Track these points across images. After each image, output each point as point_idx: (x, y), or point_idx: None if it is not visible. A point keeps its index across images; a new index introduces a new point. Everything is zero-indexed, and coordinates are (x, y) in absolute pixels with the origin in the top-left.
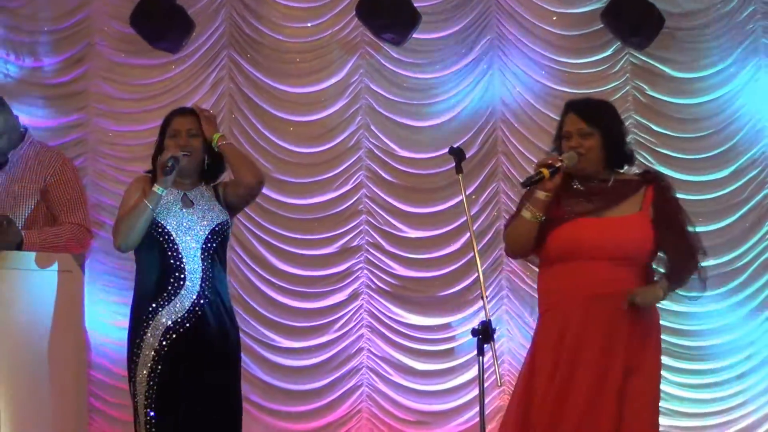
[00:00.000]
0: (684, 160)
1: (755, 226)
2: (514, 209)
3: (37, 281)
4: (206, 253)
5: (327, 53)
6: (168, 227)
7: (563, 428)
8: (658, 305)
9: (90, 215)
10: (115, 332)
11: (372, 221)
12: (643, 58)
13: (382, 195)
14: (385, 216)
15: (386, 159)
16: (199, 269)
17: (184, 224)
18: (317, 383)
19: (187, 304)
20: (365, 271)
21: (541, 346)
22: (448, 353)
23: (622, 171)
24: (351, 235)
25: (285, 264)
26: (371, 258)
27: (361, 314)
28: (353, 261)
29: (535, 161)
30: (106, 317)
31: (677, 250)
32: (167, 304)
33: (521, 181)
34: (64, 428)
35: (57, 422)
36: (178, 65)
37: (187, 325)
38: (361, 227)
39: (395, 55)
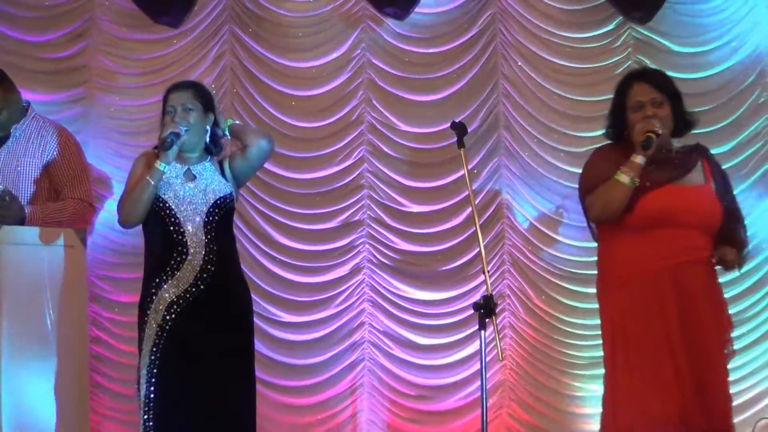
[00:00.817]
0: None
1: (757, 200)
2: (595, 174)
3: (39, 256)
4: (209, 227)
5: (329, 27)
6: (169, 201)
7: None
8: None
9: (92, 190)
10: (116, 307)
11: (374, 196)
12: (645, 33)
13: (384, 169)
14: (387, 190)
15: (388, 133)
16: (203, 242)
17: (186, 198)
18: (318, 357)
19: (191, 278)
20: (367, 246)
21: (633, 319)
22: (450, 327)
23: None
24: (352, 210)
25: (286, 238)
26: (373, 232)
27: (362, 289)
28: (355, 235)
29: (537, 136)
30: (108, 292)
31: (734, 222)
32: (171, 279)
33: (645, 139)
34: (67, 402)
35: (59, 396)
36: (180, 40)
37: (190, 298)
38: (363, 202)
39: (397, 30)
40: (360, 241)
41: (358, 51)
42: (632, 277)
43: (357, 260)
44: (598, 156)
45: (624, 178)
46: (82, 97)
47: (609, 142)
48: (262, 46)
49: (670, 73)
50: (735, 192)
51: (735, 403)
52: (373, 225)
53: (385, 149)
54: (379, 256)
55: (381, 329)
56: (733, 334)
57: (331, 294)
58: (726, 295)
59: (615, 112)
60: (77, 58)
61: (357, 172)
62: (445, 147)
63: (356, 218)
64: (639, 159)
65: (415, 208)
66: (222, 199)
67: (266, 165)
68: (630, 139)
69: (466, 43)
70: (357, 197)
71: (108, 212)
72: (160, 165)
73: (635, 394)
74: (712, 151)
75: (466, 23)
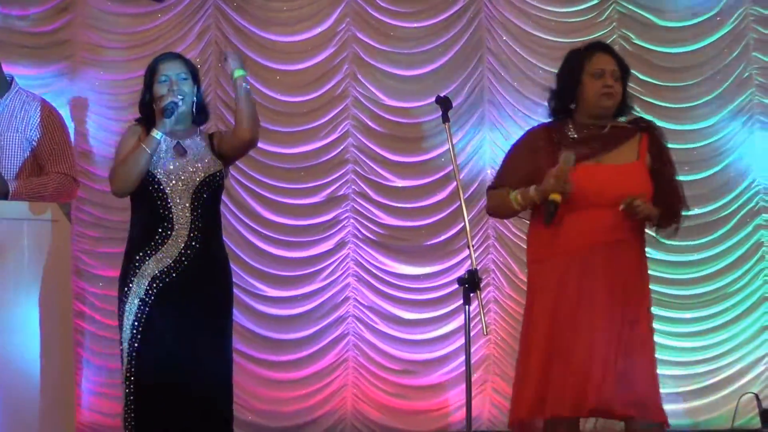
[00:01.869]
0: (670, 109)
1: (740, 176)
2: (499, 168)
3: (24, 231)
4: (196, 203)
5: (313, 2)
6: (158, 176)
7: (559, 372)
8: (648, 255)
9: (76, 165)
10: (101, 282)
11: (358, 170)
12: (630, 7)
13: (369, 144)
14: (372, 165)
15: (373, 108)
16: (188, 219)
17: (175, 173)
18: (303, 332)
19: (174, 253)
20: (351, 221)
21: (539, 295)
22: (434, 302)
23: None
24: (337, 185)
25: (271, 213)
26: (357, 207)
27: (347, 263)
28: (340, 210)
29: (522, 110)
30: (92, 267)
31: (666, 199)
32: (155, 253)
33: (545, 222)
34: (52, 377)
35: (44, 371)
36: (165, 14)
37: (173, 274)
38: (348, 176)
39: (382, 4)
40: (345, 215)
41: (343, 25)
42: (552, 255)
43: (342, 235)
44: (520, 151)
45: (515, 205)
46: (66, 72)
47: (539, 127)
48: (247, 20)
49: (655, 47)
50: (719, 167)
51: (719, 377)
52: (357, 199)
53: (370, 124)
54: (363, 231)
55: (366, 304)
56: (716, 309)
57: (316, 268)
58: (707, 271)
59: (568, 77)
60: (62, 32)
61: (342, 147)
62: (429, 121)
63: (341, 193)
64: (535, 197)
65: (400, 183)
66: (211, 177)
67: None
68: (578, 108)
69: (451, 18)
70: (342, 172)
71: (92, 187)
72: (156, 134)
73: (546, 374)
74: (697, 126)
75: None
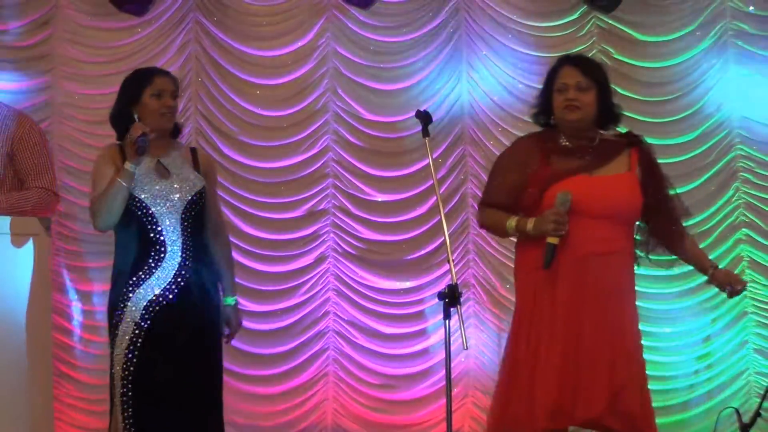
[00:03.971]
0: (650, 123)
1: (721, 190)
2: (485, 178)
3: (3, 245)
4: (186, 223)
5: (294, 16)
6: (145, 200)
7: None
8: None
9: (56, 179)
10: (80, 296)
11: (338, 185)
12: (610, 22)
13: (349, 158)
14: (352, 179)
15: (353, 122)
16: (179, 240)
17: (161, 194)
18: (283, 347)
19: (170, 276)
20: (332, 235)
21: (529, 307)
22: (415, 317)
23: (604, 132)
24: (317, 199)
25: (251, 227)
26: (338, 222)
27: (327, 278)
28: (319, 224)
29: (502, 125)
30: (71, 281)
31: (665, 213)
32: (148, 277)
33: (545, 267)
34: (30, 391)
35: (23, 385)
36: (145, 28)
37: (170, 296)
38: (328, 191)
39: (362, 18)
40: (325, 230)
41: (323, 40)
42: (535, 268)
43: (322, 249)
44: (511, 158)
45: (510, 227)
46: (46, 86)
47: (529, 135)
48: (227, 35)
49: (634, 62)
50: (698, 182)
51: (699, 392)
52: (337, 214)
53: (350, 138)
54: (343, 245)
55: (346, 318)
56: (696, 325)
57: (295, 283)
58: (688, 286)
59: (543, 94)
60: (42, 46)
61: (322, 161)
62: (410, 136)
63: (321, 207)
64: (530, 230)
65: (380, 197)
66: (198, 194)
67: (231, 154)
68: (556, 122)
69: (431, 32)
70: (322, 186)
71: (72, 201)
72: (130, 167)
73: (524, 386)
74: (677, 141)
75: (431, 12)
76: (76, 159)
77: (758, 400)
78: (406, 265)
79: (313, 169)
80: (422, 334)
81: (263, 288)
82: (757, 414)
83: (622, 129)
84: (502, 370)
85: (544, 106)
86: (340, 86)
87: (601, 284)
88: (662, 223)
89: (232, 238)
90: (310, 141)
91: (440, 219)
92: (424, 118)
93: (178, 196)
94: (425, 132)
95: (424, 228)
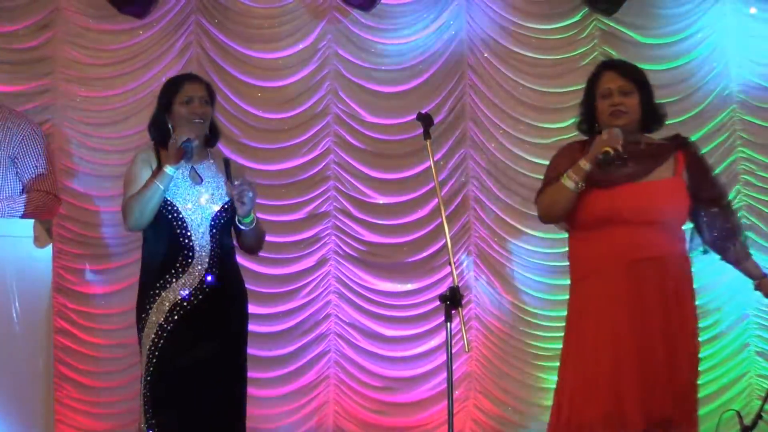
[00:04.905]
0: None
1: None
2: (547, 176)
3: (5, 247)
4: (215, 230)
5: (295, 18)
6: (177, 205)
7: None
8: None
9: (58, 182)
10: (82, 298)
11: (340, 187)
12: (611, 24)
13: (350, 161)
14: (353, 182)
15: (354, 125)
16: (208, 246)
17: (193, 201)
18: (285, 349)
19: (196, 281)
20: (333, 237)
21: (587, 314)
22: (416, 319)
23: (649, 134)
24: (319, 201)
25: None
26: (339, 224)
27: (328, 280)
28: (321, 227)
29: (503, 127)
30: (73, 283)
31: (721, 210)
32: (175, 281)
33: (600, 167)
34: (32, 393)
35: (25, 387)
36: (146, 30)
37: (195, 301)
38: (329, 193)
39: (363, 21)
40: (326, 232)
41: (324, 42)
42: (589, 273)
43: (323, 251)
44: (560, 153)
45: (569, 183)
46: (47, 89)
47: (576, 140)
48: (228, 37)
49: (636, 65)
50: None
51: (701, 394)
52: (339, 216)
53: (352, 140)
54: (345, 248)
55: (347, 321)
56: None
57: (297, 286)
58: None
59: (586, 101)
60: (43, 48)
61: (323, 164)
62: (411, 138)
63: (322, 209)
64: (586, 166)
65: (382, 200)
66: (229, 203)
67: (232, 156)
68: (600, 129)
69: (433, 34)
70: (323, 188)
71: (73, 204)
72: (169, 170)
73: (578, 390)
74: None
75: (433, 14)
76: (77, 161)
77: (760, 402)
78: (408, 267)
79: (314, 171)
80: (424, 336)
81: (264, 290)
82: (759, 416)
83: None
84: (558, 374)
85: (588, 114)
86: (341, 88)
87: (656, 288)
88: (718, 224)
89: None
90: (312, 143)
91: (441, 221)
92: (426, 120)
93: (209, 203)
94: (426, 134)
95: (426, 230)
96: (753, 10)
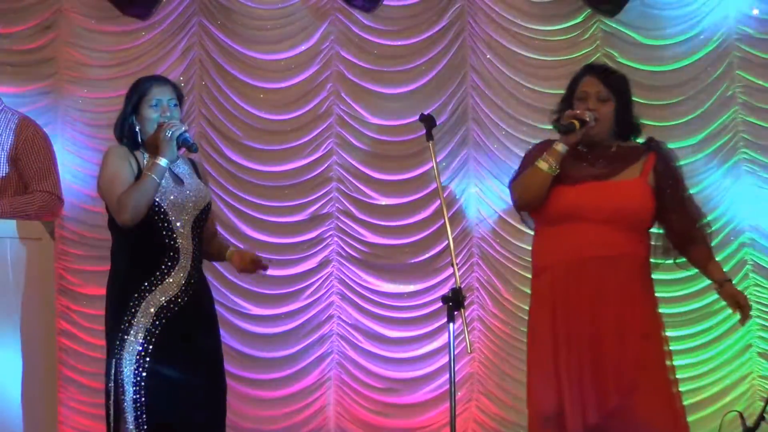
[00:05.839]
0: (655, 127)
1: (724, 194)
2: (521, 165)
3: (7, 249)
4: (196, 231)
5: (297, 20)
6: (164, 206)
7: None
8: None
9: (60, 183)
10: (85, 300)
11: (342, 188)
12: (614, 25)
13: (353, 162)
14: (356, 183)
15: (357, 126)
16: (191, 247)
17: (178, 202)
18: (287, 351)
19: (181, 282)
20: (335, 239)
21: (537, 311)
22: (418, 320)
23: (622, 143)
24: (321, 203)
25: (255, 231)
26: (341, 225)
27: (331, 281)
28: (323, 228)
29: (506, 128)
30: (75, 285)
31: (682, 216)
32: (160, 284)
33: (555, 123)
34: (34, 395)
35: (26, 389)
36: (149, 32)
37: (181, 303)
38: (332, 194)
39: (366, 22)
40: (329, 233)
41: (327, 43)
42: (545, 268)
43: (326, 253)
44: (533, 149)
45: (543, 165)
46: (50, 90)
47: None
48: (231, 39)
49: (638, 66)
50: (704, 184)
51: (703, 396)
52: (341, 218)
53: (354, 142)
54: (347, 249)
55: (350, 322)
56: (700, 328)
57: (299, 287)
58: (692, 289)
59: (564, 101)
60: (45, 49)
61: (326, 165)
62: (414, 139)
63: (325, 211)
64: (560, 147)
65: (384, 201)
66: (207, 205)
67: (234, 157)
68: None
69: (435, 36)
70: (325, 190)
71: (76, 205)
72: (162, 161)
73: (532, 387)
74: (681, 144)
75: (435, 15)
76: (79, 162)
77: (762, 403)
78: (410, 268)
79: (316, 172)
80: (426, 337)
81: (266, 291)
82: (761, 417)
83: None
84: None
85: (563, 113)
86: (343, 90)
87: (599, 287)
88: (679, 226)
89: (235, 242)
90: (314, 144)
91: (444, 222)
92: (428, 121)
93: (192, 204)
94: (429, 135)
95: (428, 231)
96: (756, 12)
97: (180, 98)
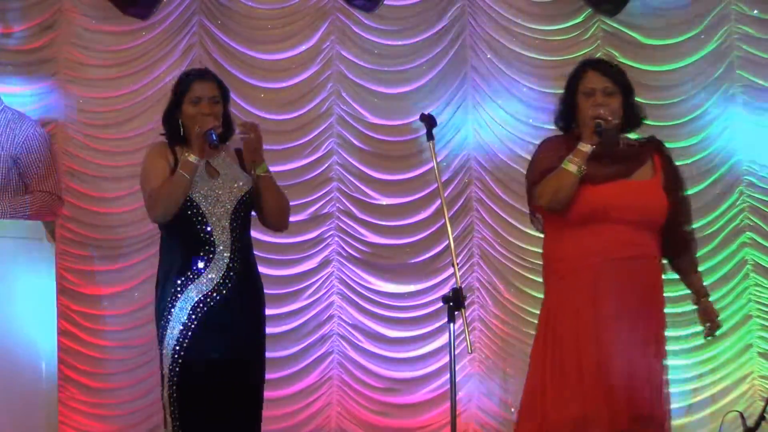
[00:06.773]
0: (655, 127)
1: (726, 193)
2: (543, 166)
3: (8, 248)
4: (235, 224)
5: (298, 19)
6: (196, 199)
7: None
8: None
9: (61, 183)
10: (86, 300)
11: (343, 188)
12: (614, 25)
13: (353, 162)
14: (356, 183)
15: (357, 126)
16: (229, 240)
17: (212, 195)
18: (288, 350)
19: (218, 277)
20: (336, 239)
21: (559, 314)
22: (419, 320)
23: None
24: (322, 203)
25: (255, 230)
26: (342, 225)
27: (331, 281)
28: (324, 228)
29: (505, 127)
30: (76, 285)
31: (677, 217)
32: (197, 278)
33: (596, 125)
34: (34, 394)
35: (28, 389)
36: (149, 31)
37: (217, 297)
38: (332, 194)
39: (366, 22)
40: (329, 233)
41: (327, 43)
42: (569, 271)
43: (326, 253)
44: (546, 147)
45: (571, 167)
46: (51, 90)
47: (556, 135)
48: (231, 38)
49: (639, 66)
50: (702, 185)
51: (704, 396)
52: (342, 217)
53: (355, 141)
54: (348, 249)
55: (350, 322)
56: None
57: (300, 287)
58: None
59: (566, 98)
60: (46, 49)
61: (326, 165)
62: (414, 139)
63: (325, 211)
64: (585, 147)
65: (385, 201)
66: (247, 195)
67: None
68: (579, 128)
69: (436, 35)
70: (326, 190)
71: (76, 205)
72: (193, 159)
73: (557, 394)
74: (682, 144)
75: (436, 15)
76: (80, 162)
77: (762, 403)
78: (411, 268)
79: (317, 172)
80: (426, 337)
81: (267, 291)
82: (762, 417)
83: (634, 135)
84: (531, 376)
85: (566, 111)
86: (344, 89)
87: (629, 289)
88: (671, 227)
89: None
90: (314, 144)
91: (445, 222)
92: (429, 121)
93: (228, 196)
94: (429, 135)
95: (429, 231)
96: (756, 12)
97: (224, 94)
